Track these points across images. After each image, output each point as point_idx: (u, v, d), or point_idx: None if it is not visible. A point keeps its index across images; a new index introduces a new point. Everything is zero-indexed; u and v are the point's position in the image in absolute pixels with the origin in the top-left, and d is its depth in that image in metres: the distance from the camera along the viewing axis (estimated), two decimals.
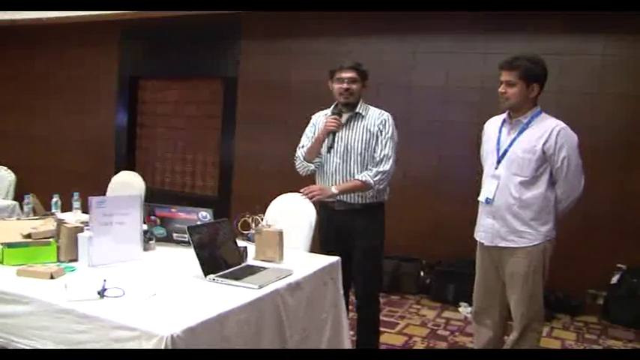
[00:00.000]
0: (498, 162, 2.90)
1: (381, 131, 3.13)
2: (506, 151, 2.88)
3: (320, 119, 3.31)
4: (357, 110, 3.18)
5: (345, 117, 3.17)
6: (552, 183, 2.87)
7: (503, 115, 2.97)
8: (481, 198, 3.00)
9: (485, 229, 2.99)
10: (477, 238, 3.08)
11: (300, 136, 3.36)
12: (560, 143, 2.79)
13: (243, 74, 6.12)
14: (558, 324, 4.48)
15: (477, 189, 3.07)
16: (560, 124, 2.83)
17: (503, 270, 2.98)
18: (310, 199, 3.10)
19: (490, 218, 2.95)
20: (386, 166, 3.11)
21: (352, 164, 3.17)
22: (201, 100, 6.57)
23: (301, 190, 3.09)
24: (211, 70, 6.39)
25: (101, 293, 2.12)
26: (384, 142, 3.12)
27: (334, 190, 3.09)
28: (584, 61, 4.72)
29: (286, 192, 3.73)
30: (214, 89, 6.45)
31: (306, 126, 3.38)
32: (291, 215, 3.40)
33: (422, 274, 5.07)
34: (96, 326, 1.98)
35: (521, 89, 2.79)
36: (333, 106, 3.27)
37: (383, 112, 3.20)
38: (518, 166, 2.84)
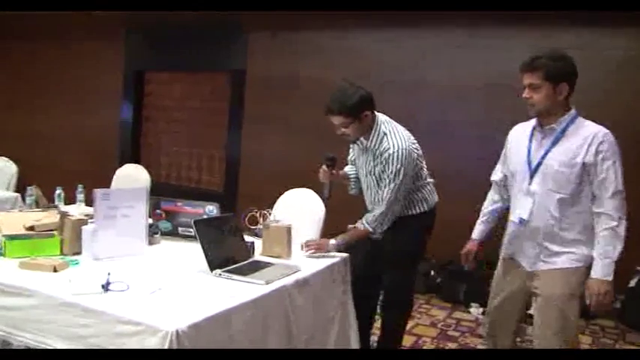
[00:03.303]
0: (531, 177, 2.56)
1: (384, 170, 2.89)
2: (539, 164, 2.54)
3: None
4: (370, 145, 2.93)
5: (364, 143, 2.96)
6: None
7: (533, 122, 2.61)
8: (513, 218, 2.64)
9: (525, 254, 2.63)
10: (505, 256, 2.75)
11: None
12: (604, 151, 2.43)
13: (250, 69, 6.10)
14: None
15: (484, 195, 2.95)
16: (602, 130, 2.47)
17: (532, 291, 2.63)
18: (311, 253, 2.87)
19: (529, 241, 2.60)
20: (381, 209, 2.90)
21: (375, 192, 3.02)
22: (207, 94, 6.56)
23: (303, 244, 2.88)
24: (218, 64, 6.37)
25: (105, 287, 2.12)
26: (385, 183, 2.89)
27: (333, 243, 2.88)
28: (602, 57, 4.65)
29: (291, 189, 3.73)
30: (222, 83, 6.42)
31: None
32: (300, 210, 3.40)
33: (432, 273, 5.05)
34: (100, 320, 1.98)
35: (548, 92, 2.46)
36: None
37: (392, 145, 2.87)
38: (556, 182, 2.49)
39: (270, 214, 3.02)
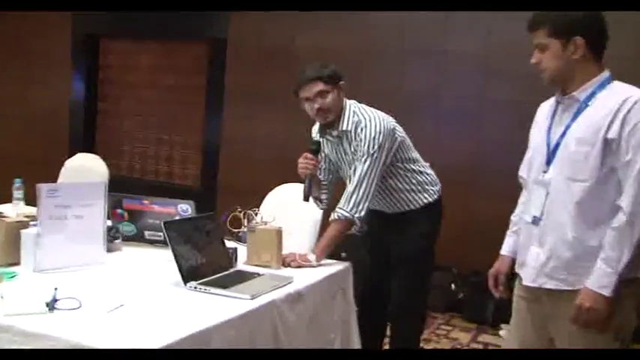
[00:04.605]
0: (548, 162, 2.40)
1: (358, 144, 3.08)
2: (558, 145, 2.37)
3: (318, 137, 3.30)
4: (343, 128, 3.13)
5: (335, 133, 3.16)
6: None
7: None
8: (526, 216, 2.48)
9: (528, 262, 2.44)
10: (518, 272, 2.56)
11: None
12: (634, 122, 2.17)
13: (233, 36, 6.08)
14: None
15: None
16: (635, 94, 2.21)
17: (551, 324, 2.40)
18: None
19: (535, 245, 2.40)
20: (352, 185, 3.04)
21: None
22: (181, 67, 6.56)
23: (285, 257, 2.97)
24: (194, 30, 6.34)
25: (51, 305, 2.10)
26: (358, 156, 3.07)
27: (313, 258, 2.98)
28: None
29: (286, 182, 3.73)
30: (198, 54, 6.43)
31: None
32: (293, 210, 3.39)
33: (453, 286, 5.06)
34: (43, 346, 1.94)
35: (556, 51, 2.29)
36: (318, 126, 3.25)
37: (364, 117, 3.10)
38: (573, 166, 2.29)
39: (256, 214, 3.02)
